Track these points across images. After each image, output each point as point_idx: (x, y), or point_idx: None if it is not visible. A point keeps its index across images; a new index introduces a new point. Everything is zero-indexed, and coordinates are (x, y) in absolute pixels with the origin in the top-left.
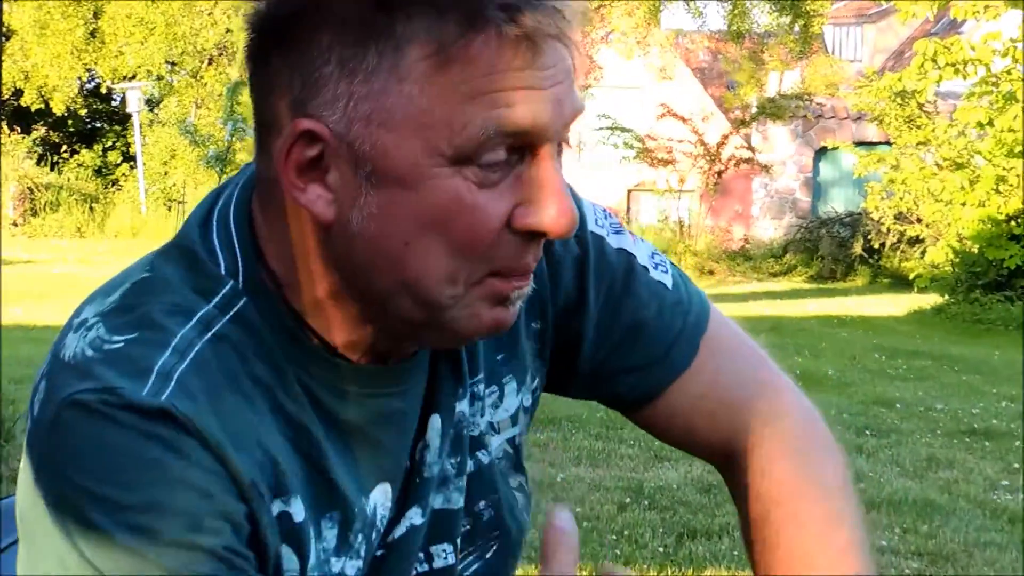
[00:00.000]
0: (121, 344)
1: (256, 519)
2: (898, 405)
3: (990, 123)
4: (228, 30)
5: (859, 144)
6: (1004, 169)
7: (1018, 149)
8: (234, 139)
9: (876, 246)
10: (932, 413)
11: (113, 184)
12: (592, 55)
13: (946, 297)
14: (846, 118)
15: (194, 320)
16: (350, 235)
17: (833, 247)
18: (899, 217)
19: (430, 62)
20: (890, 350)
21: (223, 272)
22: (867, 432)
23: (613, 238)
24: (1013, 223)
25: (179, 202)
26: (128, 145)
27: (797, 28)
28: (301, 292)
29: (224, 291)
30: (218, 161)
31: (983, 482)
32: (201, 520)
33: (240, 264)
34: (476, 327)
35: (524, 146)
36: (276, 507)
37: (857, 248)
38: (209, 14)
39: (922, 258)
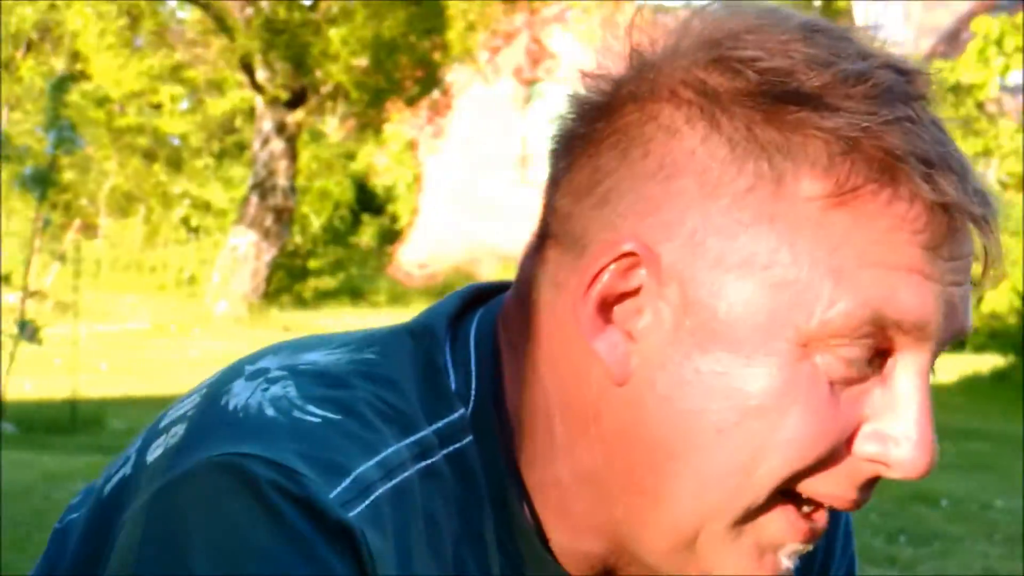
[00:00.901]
0: (318, 421)
1: None
2: (944, 502)
3: None
4: (53, 5)
5: None
6: None
7: None
8: (58, 152)
9: None
10: (989, 513)
11: None
12: (542, 40)
13: (1010, 357)
14: None
15: (412, 439)
16: (645, 404)
17: None
18: None
19: (820, 204)
20: (936, 430)
21: (453, 395)
22: (902, 538)
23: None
24: None
25: None
26: None
27: (817, 2)
28: (536, 459)
29: (452, 418)
30: (36, 182)
31: None
32: None
33: (473, 392)
34: (734, 572)
35: (892, 349)
36: None
37: None
38: None
39: (978, 307)
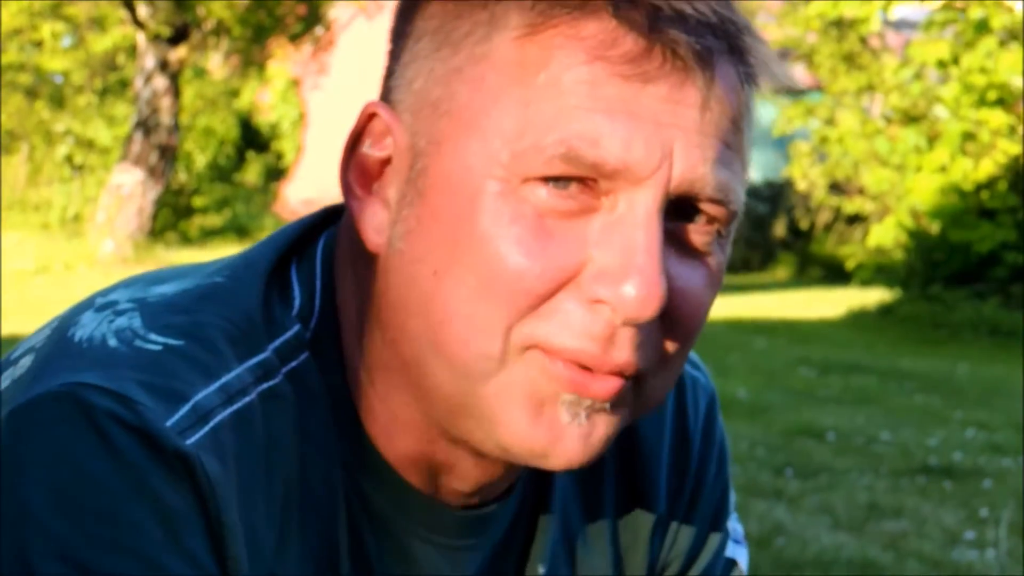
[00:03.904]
0: (159, 348)
1: None
2: (830, 436)
3: (955, 62)
4: None
5: (781, 91)
6: (974, 123)
7: (992, 96)
8: None
9: (804, 227)
10: (875, 446)
11: None
12: None
13: (896, 293)
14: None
15: (255, 360)
16: (389, 265)
17: (747, 228)
18: (834, 188)
19: (520, 35)
20: (821, 364)
21: (293, 314)
22: (789, 472)
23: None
24: (985, 193)
25: None
26: None
27: None
28: (360, 367)
29: (287, 336)
30: None
31: (940, 536)
32: None
33: (316, 308)
34: (519, 431)
35: (614, 189)
36: None
37: (779, 230)
38: None
39: (864, 242)
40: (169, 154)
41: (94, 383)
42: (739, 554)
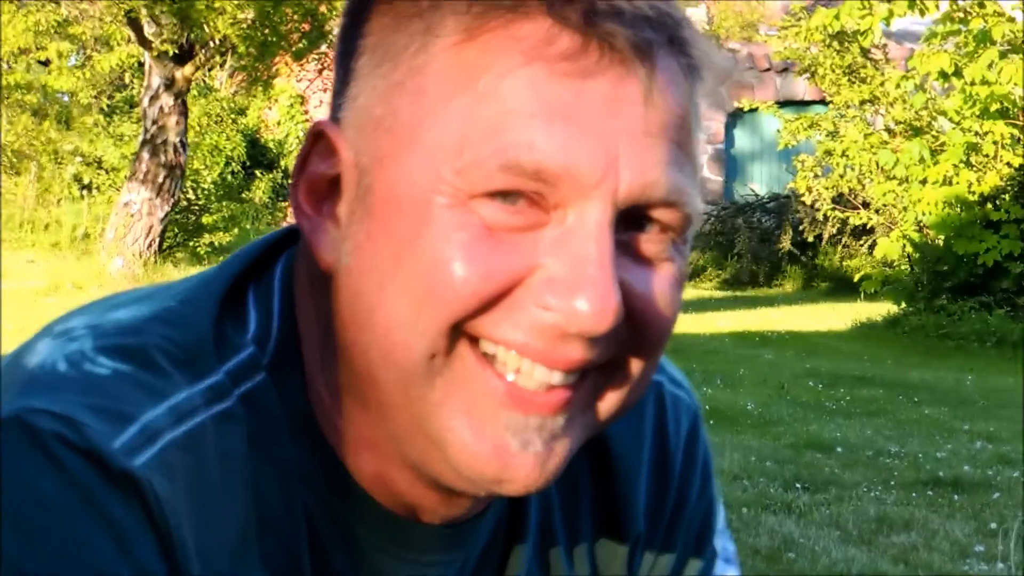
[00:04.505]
0: (107, 372)
1: None
2: (839, 449)
3: (957, 73)
4: None
5: (784, 104)
6: (977, 135)
7: (994, 107)
8: None
9: (809, 239)
10: (884, 459)
11: None
12: None
13: (902, 305)
14: (767, 70)
15: (206, 383)
16: (339, 283)
17: (753, 242)
18: (839, 200)
19: (456, 42)
20: (829, 377)
21: (249, 336)
22: (798, 485)
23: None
24: (989, 206)
25: None
26: None
27: None
28: (314, 381)
29: (241, 358)
30: None
31: (950, 549)
32: None
33: (274, 331)
34: (466, 448)
35: (563, 202)
36: None
37: (785, 243)
38: None
39: (870, 254)
40: (177, 172)
41: (41, 407)
42: (729, 572)
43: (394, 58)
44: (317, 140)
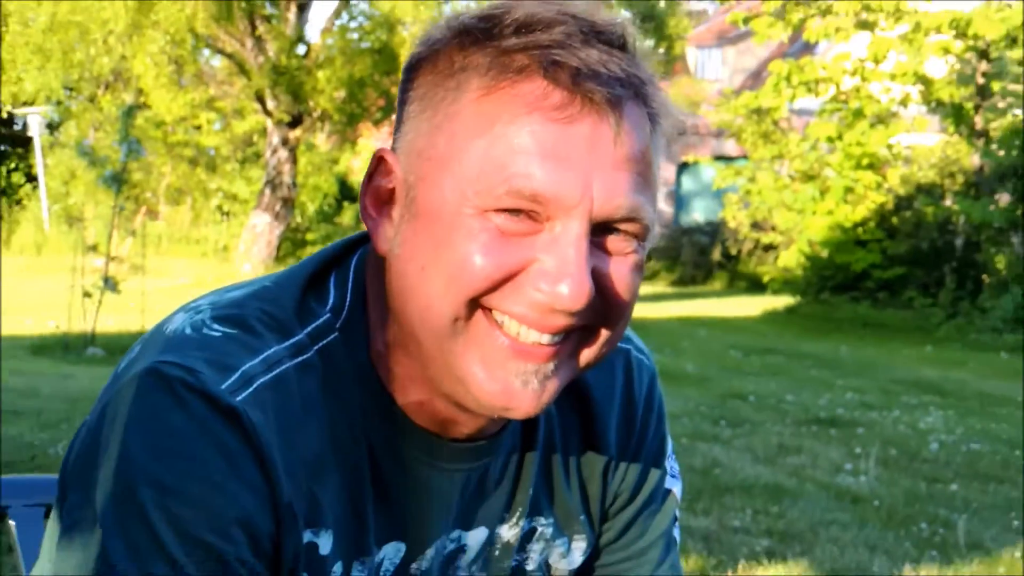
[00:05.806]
0: (219, 335)
1: (281, 541)
2: (752, 398)
3: (839, 137)
4: (123, 57)
5: (718, 158)
6: (852, 180)
7: (865, 162)
8: (129, 159)
9: (733, 253)
10: (783, 405)
11: (17, 204)
12: None
13: (797, 298)
14: (707, 134)
15: (289, 342)
16: (392, 266)
17: (694, 254)
18: (755, 226)
19: (478, 95)
20: (745, 348)
21: (328, 307)
22: (723, 422)
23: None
24: (859, 230)
25: (78, 219)
26: (30, 167)
27: (661, 50)
28: (375, 338)
29: (318, 322)
30: (114, 181)
31: (828, 467)
32: (228, 528)
33: (347, 303)
34: (482, 385)
35: (553, 216)
36: (306, 536)
37: (716, 255)
38: (104, 42)
39: (775, 263)
40: (289, 204)
41: (171, 360)
42: (675, 486)
43: (434, 107)
44: (380, 163)
